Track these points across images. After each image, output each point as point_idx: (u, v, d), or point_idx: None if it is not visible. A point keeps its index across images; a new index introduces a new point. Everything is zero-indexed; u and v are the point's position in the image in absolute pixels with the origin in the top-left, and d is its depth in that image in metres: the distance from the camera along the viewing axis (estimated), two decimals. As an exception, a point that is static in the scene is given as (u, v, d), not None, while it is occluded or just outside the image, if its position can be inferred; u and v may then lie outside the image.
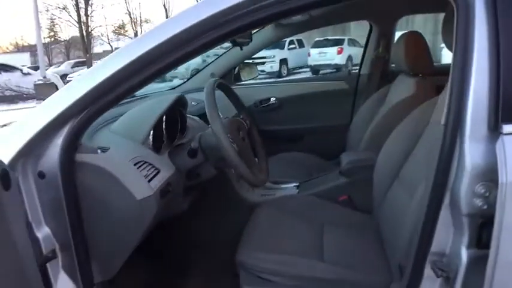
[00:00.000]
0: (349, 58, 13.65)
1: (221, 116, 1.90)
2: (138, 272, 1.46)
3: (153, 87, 2.77)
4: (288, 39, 15.25)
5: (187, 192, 1.46)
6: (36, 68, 13.08)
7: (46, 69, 12.61)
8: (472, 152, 0.84)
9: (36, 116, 1.00)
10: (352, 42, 14.12)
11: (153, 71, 0.99)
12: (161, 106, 1.38)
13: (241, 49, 1.73)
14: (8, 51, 30.81)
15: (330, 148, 2.31)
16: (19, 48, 30.59)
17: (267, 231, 1.37)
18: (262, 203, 1.61)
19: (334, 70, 13.12)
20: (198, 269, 1.67)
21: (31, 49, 23.97)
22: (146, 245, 1.30)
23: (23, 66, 13.13)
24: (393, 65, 2.56)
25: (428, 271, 0.93)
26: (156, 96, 2.09)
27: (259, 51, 2.55)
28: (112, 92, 0.99)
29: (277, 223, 1.42)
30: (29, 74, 11.64)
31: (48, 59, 24.55)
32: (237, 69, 2.55)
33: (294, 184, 1.86)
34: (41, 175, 1.01)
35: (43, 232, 1.03)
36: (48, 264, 1.03)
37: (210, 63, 2.57)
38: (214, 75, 2.39)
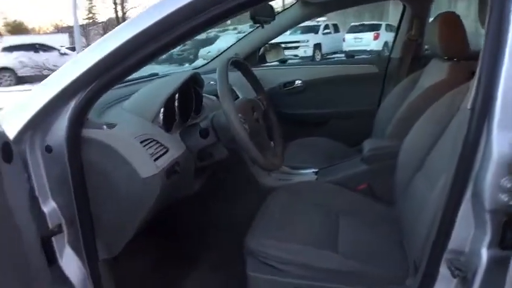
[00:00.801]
0: (386, 44, 13.25)
1: (240, 97, 1.85)
2: (144, 251, 1.45)
3: (176, 68, 2.75)
4: (323, 24, 14.98)
5: (199, 173, 1.42)
6: (73, 49, 13.44)
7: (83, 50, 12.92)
8: (499, 140, 0.76)
9: (44, 89, 0.98)
10: (390, 28, 13.68)
11: (162, 44, 0.94)
12: (173, 84, 1.34)
13: (263, 27, 1.66)
14: (48, 32, 31.88)
15: (356, 134, 2.22)
16: (59, 29, 31.52)
17: (279, 218, 1.31)
18: (278, 188, 1.56)
19: (370, 56, 12.82)
20: (206, 252, 1.64)
21: (69, 30, 24.61)
22: (156, 225, 1.28)
23: (61, 46, 13.51)
24: (427, 51, 2.42)
25: (444, 270, 0.85)
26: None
27: (285, 31, 2.46)
28: (119, 65, 0.96)
29: (290, 210, 1.37)
30: (66, 54, 11.99)
31: (86, 40, 25.15)
32: (262, 50, 2.48)
33: (313, 170, 1.79)
34: (48, 149, 1.00)
35: (49, 206, 1.02)
36: (53, 239, 1.02)
37: (234, 43, 2.51)
38: (238, 55, 2.33)
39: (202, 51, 13.09)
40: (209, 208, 1.63)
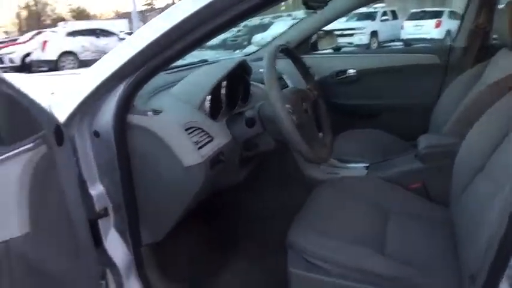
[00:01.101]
0: (448, 33, 12.50)
1: (290, 86, 1.79)
2: (188, 238, 1.45)
3: (228, 54, 2.73)
4: (381, 10, 14.40)
5: (245, 163, 1.40)
6: (131, 34, 13.88)
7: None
8: None
9: (93, 75, 0.99)
10: (454, 15, 12.89)
11: (210, 29, 0.91)
12: (221, 71, 1.32)
13: (316, 12, 1.58)
14: (109, 17, 33.32)
15: (411, 128, 2.09)
16: (119, 15, 32.81)
17: (325, 213, 1.26)
18: (325, 181, 1.50)
19: (430, 45, 12.16)
20: (249, 242, 1.62)
21: (129, 16, 25.46)
22: (200, 212, 1.27)
23: (120, 32, 14.00)
24: (495, 40, 2.22)
25: (505, 287, 0.76)
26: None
27: (339, 18, 2.35)
28: (167, 50, 0.94)
29: (337, 205, 1.31)
30: (124, 39, 12.38)
31: (145, 26, 25.85)
32: (315, 37, 2.40)
33: (364, 164, 1.71)
34: (96, 134, 1.02)
35: (97, 190, 1.04)
36: (100, 221, 1.05)
37: (286, 30, 2.45)
38: (289, 43, 2.27)
39: (256, 38, 13.06)
40: (254, 198, 1.61)
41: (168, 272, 1.26)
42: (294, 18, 13.52)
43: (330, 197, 1.35)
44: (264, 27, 13.95)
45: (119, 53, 0.97)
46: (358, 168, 1.70)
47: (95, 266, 1.02)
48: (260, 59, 2.10)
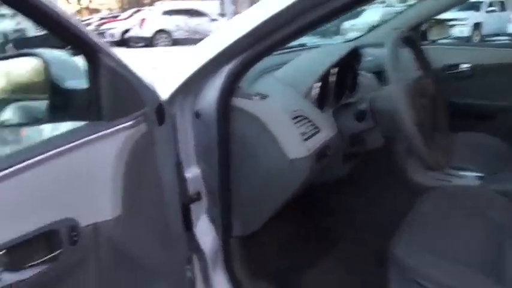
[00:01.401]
0: None
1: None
2: (280, 232, 1.38)
3: (322, 40, 2.59)
4: (487, 1, 13.08)
5: (348, 158, 1.29)
6: (222, 15, 14.17)
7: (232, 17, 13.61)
8: None
9: (199, 53, 0.94)
10: None
11: (321, 15, 0.80)
12: (332, 57, 1.21)
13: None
14: (202, -2, 34.45)
15: None
16: (211, -4, 33.75)
17: (434, 227, 1.11)
18: (433, 189, 1.33)
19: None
20: (342, 243, 1.51)
21: (221, -3, 26.05)
22: (297, 207, 1.20)
23: (212, 12, 14.35)
24: None
25: None
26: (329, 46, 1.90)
27: (453, 6, 2.10)
28: (276, 33, 0.86)
29: (447, 218, 1.15)
30: (215, 20, 12.69)
31: (235, 7, 26.38)
32: (424, 26, 2.18)
33: (478, 174, 1.50)
34: (197, 115, 0.98)
35: (192, 173, 1.01)
36: (192, 205, 1.01)
37: (394, 16, 2.24)
38: (403, 30, 2.07)
39: (347, 24, 12.58)
40: (352, 198, 1.49)
41: (254, 266, 1.21)
42: (387, 6, 12.80)
43: (440, 208, 1.19)
44: (355, 14, 13.38)
45: (226, 33, 0.91)
46: (470, 177, 1.50)
47: (183, 250, 0.99)
48: (363, 46, 1.95)
